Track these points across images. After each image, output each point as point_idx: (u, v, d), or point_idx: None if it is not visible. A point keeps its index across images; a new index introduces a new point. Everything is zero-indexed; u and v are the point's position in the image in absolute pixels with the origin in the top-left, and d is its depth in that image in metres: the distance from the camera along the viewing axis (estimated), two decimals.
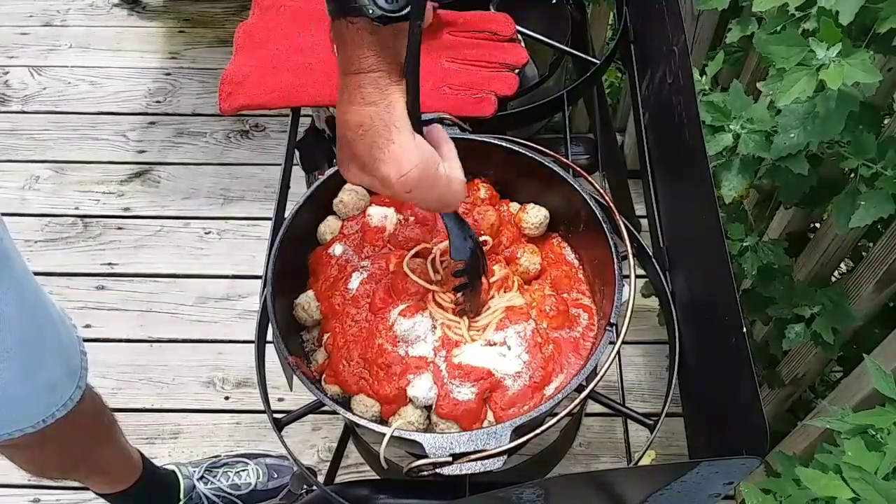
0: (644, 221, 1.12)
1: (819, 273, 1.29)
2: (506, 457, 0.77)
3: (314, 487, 1.09)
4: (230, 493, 1.59)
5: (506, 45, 1.15)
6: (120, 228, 2.13)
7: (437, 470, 0.76)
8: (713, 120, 1.04)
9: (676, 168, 0.97)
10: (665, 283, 0.96)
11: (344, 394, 0.88)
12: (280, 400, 1.47)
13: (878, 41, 0.87)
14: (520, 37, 1.18)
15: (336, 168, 0.98)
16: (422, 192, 0.72)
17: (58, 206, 2.17)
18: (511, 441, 0.77)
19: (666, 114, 0.98)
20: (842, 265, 1.36)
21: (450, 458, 0.76)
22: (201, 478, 1.58)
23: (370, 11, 0.65)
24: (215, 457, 1.67)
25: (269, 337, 0.90)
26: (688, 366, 0.90)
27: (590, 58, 1.18)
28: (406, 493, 0.96)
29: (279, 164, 1.09)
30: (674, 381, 0.90)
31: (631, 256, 0.92)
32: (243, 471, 1.63)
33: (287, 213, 0.95)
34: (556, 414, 0.81)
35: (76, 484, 1.44)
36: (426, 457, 0.76)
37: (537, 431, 0.79)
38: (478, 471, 0.76)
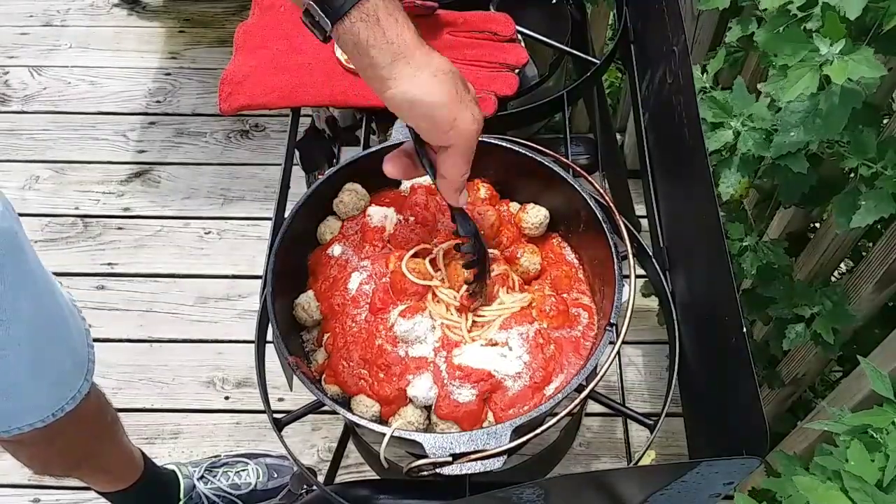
0: (644, 221, 1.12)
1: (819, 273, 1.29)
2: (506, 457, 0.77)
3: (314, 487, 1.09)
4: (230, 493, 1.59)
5: (506, 45, 1.15)
6: (120, 228, 2.13)
7: (437, 470, 0.76)
8: (714, 116, 1.04)
9: (676, 168, 0.97)
10: (665, 283, 0.96)
11: (344, 394, 0.88)
12: (280, 400, 1.47)
13: (878, 40, 0.87)
14: (520, 37, 1.18)
15: (336, 168, 0.98)
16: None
17: (58, 206, 2.17)
18: (511, 441, 0.77)
19: (666, 114, 0.98)
20: (842, 265, 1.36)
21: (450, 458, 0.76)
22: (201, 477, 1.58)
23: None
24: (215, 457, 1.67)
25: (269, 337, 0.90)
26: (688, 366, 0.90)
27: (590, 58, 1.18)
28: (406, 493, 0.96)
29: (279, 164, 1.09)
30: (674, 381, 0.90)
31: (631, 256, 0.92)
32: (243, 471, 1.63)
33: (287, 213, 0.95)
34: (556, 414, 0.81)
35: (76, 484, 1.44)
36: (426, 457, 0.76)
37: (537, 431, 0.79)
38: (478, 471, 0.76)
